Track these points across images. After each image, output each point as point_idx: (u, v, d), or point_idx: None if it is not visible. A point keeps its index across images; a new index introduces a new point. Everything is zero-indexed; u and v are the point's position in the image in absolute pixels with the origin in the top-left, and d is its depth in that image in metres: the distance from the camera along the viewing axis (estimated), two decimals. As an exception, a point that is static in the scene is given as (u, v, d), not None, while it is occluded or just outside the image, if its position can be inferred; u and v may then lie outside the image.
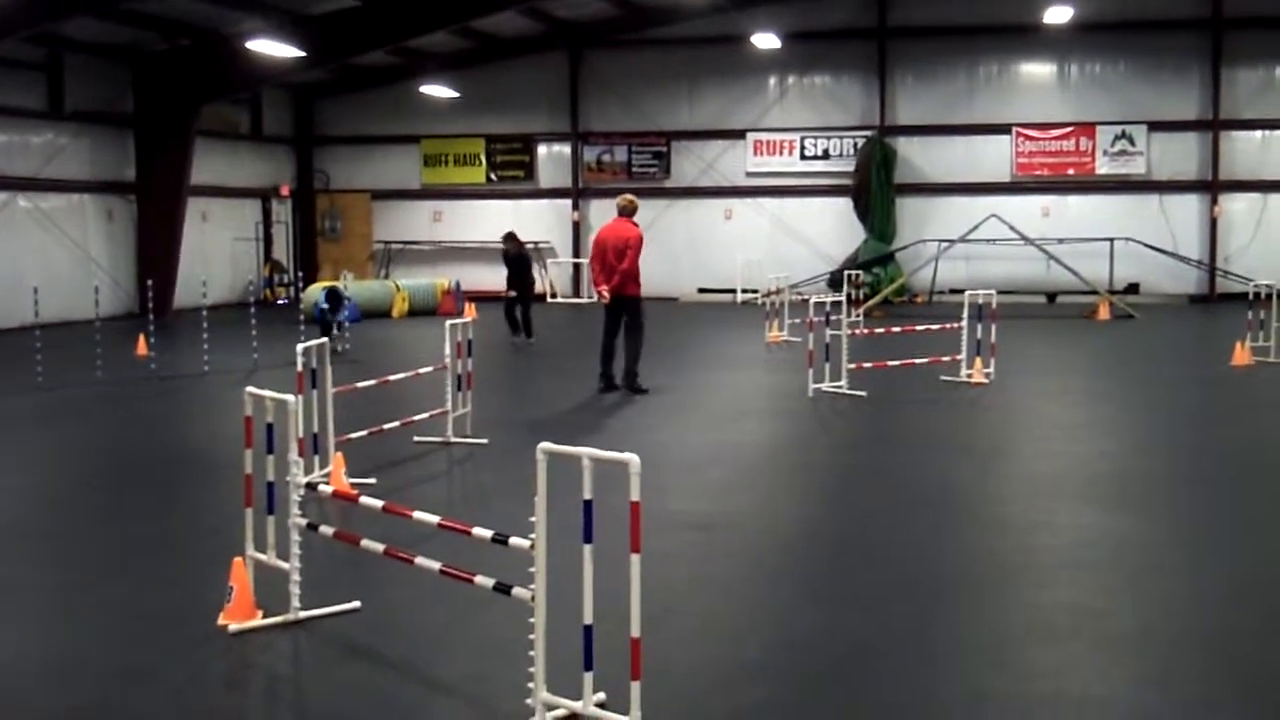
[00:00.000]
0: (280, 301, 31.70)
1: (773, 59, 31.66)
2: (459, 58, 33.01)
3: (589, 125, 34.09)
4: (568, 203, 34.50)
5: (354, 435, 11.02)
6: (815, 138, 32.50)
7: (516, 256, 22.45)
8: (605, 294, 15.31)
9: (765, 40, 30.14)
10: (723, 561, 8.30)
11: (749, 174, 33.02)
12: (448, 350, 12.14)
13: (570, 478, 5.38)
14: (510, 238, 22.81)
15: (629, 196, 15.68)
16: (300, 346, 9.81)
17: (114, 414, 15.15)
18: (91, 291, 19.59)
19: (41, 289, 18.79)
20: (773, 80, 32.83)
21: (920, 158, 31.68)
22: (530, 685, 5.49)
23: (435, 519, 6.14)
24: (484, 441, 12.13)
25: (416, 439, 12.12)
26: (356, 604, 7.03)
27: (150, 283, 20.30)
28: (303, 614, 6.80)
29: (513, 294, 22.05)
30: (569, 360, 20.83)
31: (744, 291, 31.23)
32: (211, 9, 25.56)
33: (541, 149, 34.72)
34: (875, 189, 30.66)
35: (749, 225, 32.74)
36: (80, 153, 27.78)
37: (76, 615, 7.25)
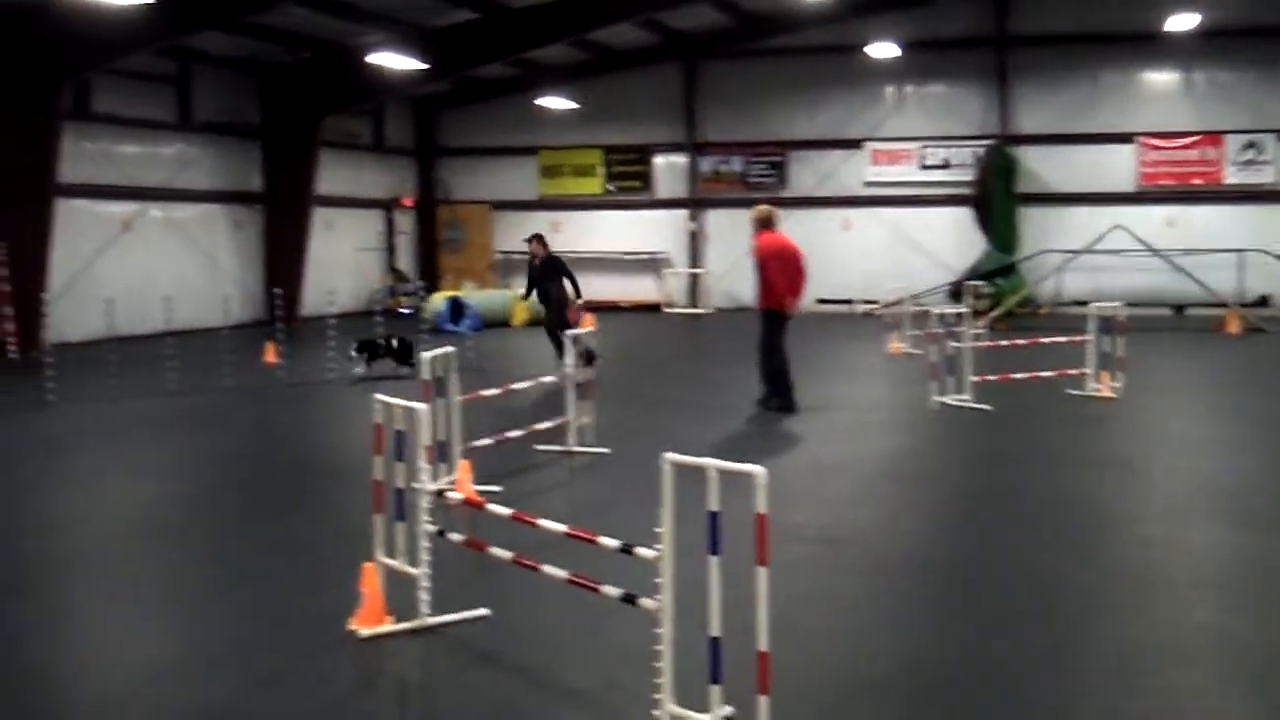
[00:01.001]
0: (403, 311, 32.15)
1: (890, 68, 31.39)
2: (577, 69, 33.27)
3: (705, 135, 34.12)
4: (684, 213, 34.54)
5: (479, 443, 11.14)
6: (934, 147, 32.17)
7: (541, 263, 19.80)
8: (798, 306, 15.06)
9: (883, 49, 29.91)
10: (845, 576, 8.24)
11: (867, 184, 32.77)
12: (569, 360, 12.23)
13: (694, 488, 5.37)
14: (536, 239, 20.28)
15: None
16: (427, 355, 9.94)
17: (244, 420, 15.49)
18: (220, 300, 20.09)
19: (173, 297, 19.30)
20: (890, 89, 32.57)
21: (1042, 167, 31.17)
22: (657, 696, 5.50)
23: (562, 528, 6.19)
24: (605, 451, 12.18)
25: (538, 447, 12.22)
26: (485, 611, 7.10)
27: (278, 291, 20.75)
28: (431, 620, 6.89)
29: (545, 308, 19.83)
30: (687, 371, 20.87)
31: (863, 302, 30.99)
32: (335, 22, 26.06)
33: (658, 159, 34.82)
34: (996, 199, 30.23)
35: (867, 236, 32.49)
36: (209, 163, 28.50)
37: (211, 616, 7.42)
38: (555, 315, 19.20)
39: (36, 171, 22.23)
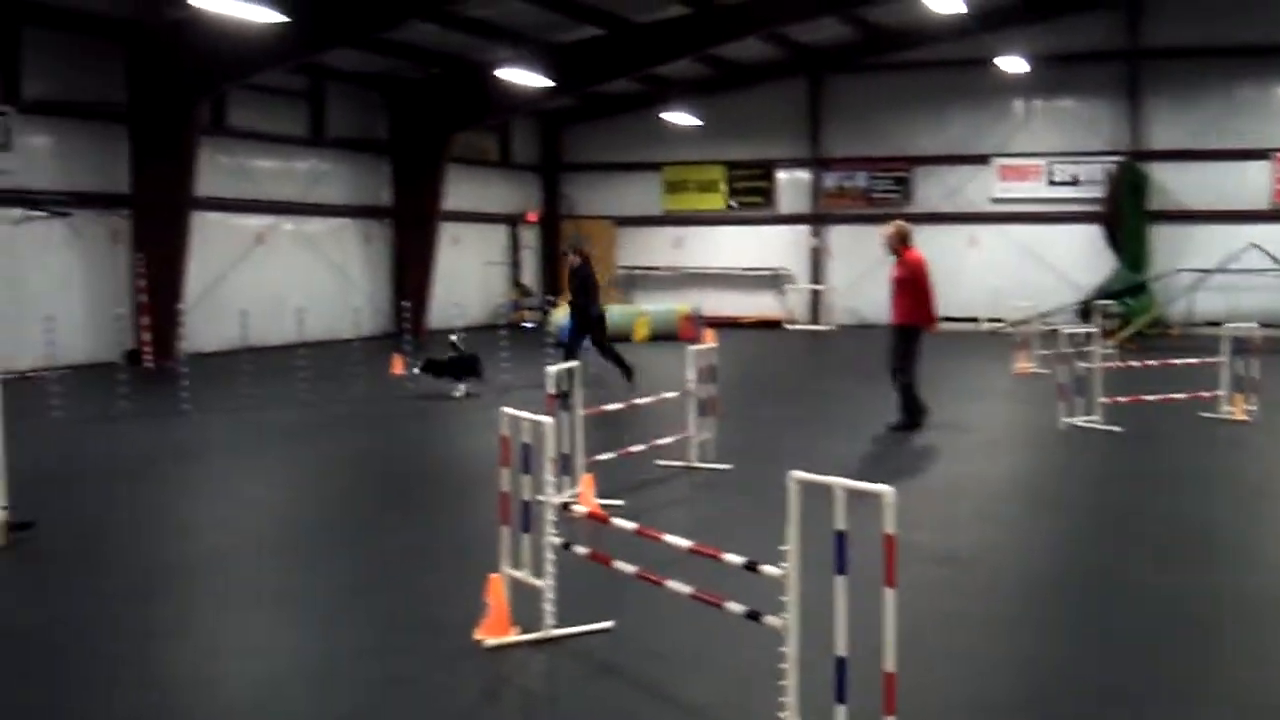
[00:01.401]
0: (527, 325, 32.48)
1: (1019, 82, 30.94)
2: (701, 85, 33.34)
3: (829, 151, 33.96)
4: (806, 229, 34.41)
5: (602, 457, 11.21)
6: (1063, 163, 31.62)
7: (576, 271, 19.16)
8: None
9: (1012, 63, 29.51)
10: (970, 597, 8.14)
11: (994, 200, 32.33)
12: (690, 375, 12.25)
13: (817, 506, 5.36)
14: (572, 250, 19.79)
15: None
16: (551, 369, 10.04)
17: (373, 430, 15.77)
18: (350, 312, 20.50)
19: (304, 309, 19.72)
20: (1019, 104, 32.12)
21: (1175, 183, 30.45)
22: (781, 715, 5.49)
23: (687, 543, 6.21)
24: (727, 467, 12.18)
25: (659, 462, 12.26)
26: (608, 624, 7.15)
27: (406, 304, 21.11)
28: (556, 631, 6.95)
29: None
30: (809, 387, 20.79)
31: (990, 320, 30.56)
32: (464, 38, 26.46)
33: (781, 175, 34.73)
34: (1127, 216, 29.62)
35: (994, 252, 32.02)
36: (340, 178, 29.10)
37: (341, 624, 7.57)
38: (593, 330, 18.87)
39: (175, 185, 22.89)
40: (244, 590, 8.50)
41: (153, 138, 22.74)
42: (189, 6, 18.93)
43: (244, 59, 22.11)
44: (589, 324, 18.79)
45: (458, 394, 17.87)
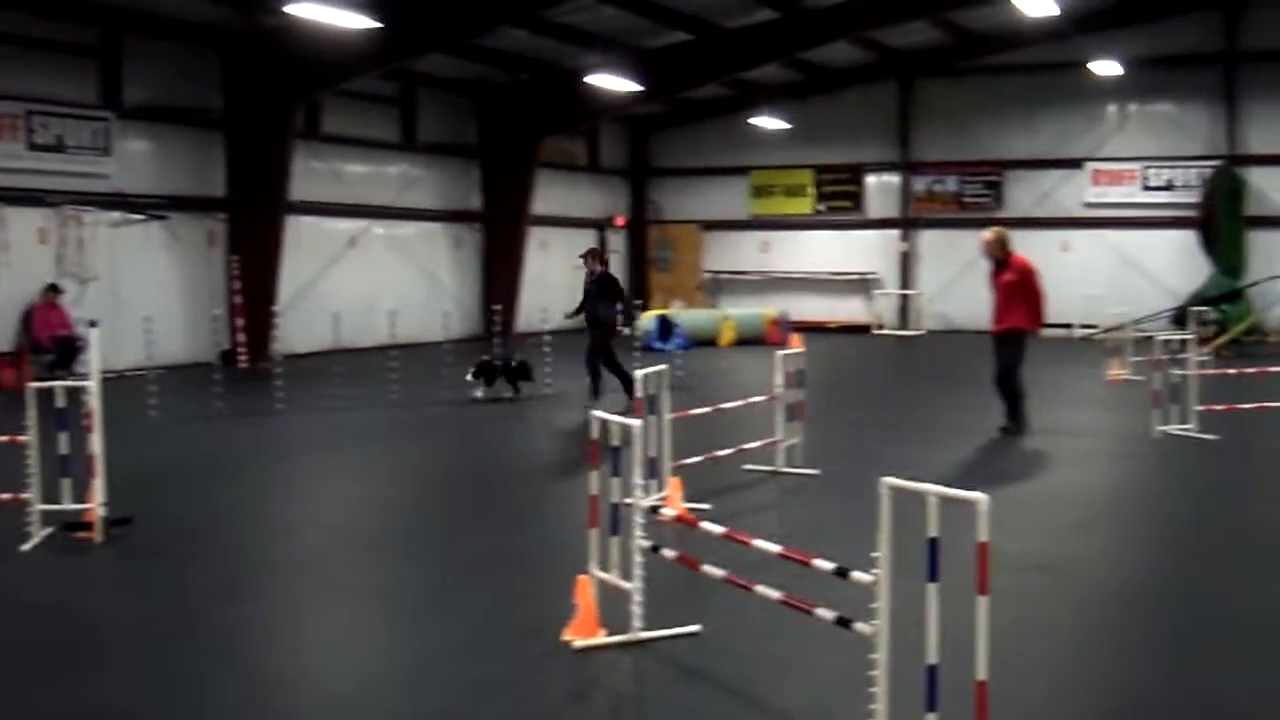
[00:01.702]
0: (612, 328, 32.54)
1: (1113, 86, 30.49)
2: (789, 89, 33.25)
3: (919, 155, 33.71)
4: (895, 233, 34.17)
5: (689, 460, 11.22)
6: (1158, 167, 31.12)
7: (595, 280, 17.85)
8: None
9: (1106, 67, 29.07)
10: (1062, 607, 8.04)
11: (1087, 205, 31.89)
12: (778, 380, 12.22)
13: (906, 512, 5.32)
14: (590, 254, 18.56)
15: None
16: (640, 373, 10.07)
17: (462, 431, 15.92)
18: (440, 315, 20.70)
19: (395, 311, 19.97)
20: (1112, 108, 31.65)
21: (1273, 188, 29.82)
22: (871, 721, 5.46)
23: (776, 548, 6.20)
24: (815, 473, 12.13)
25: (746, 467, 12.24)
26: (696, 627, 7.15)
27: (496, 307, 21.28)
28: (643, 634, 6.96)
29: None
30: (898, 393, 20.64)
31: (1083, 327, 30.11)
32: (554, 44, 26.62)
33: (870, 179, 34.52)
34: (1223, 221, 29.05)
35: (1087, 258, 31.54)
36: (431, 183, 29.41)
37: (431, 622, 7.65)
38: (598, 340, 17.59)
39: (270, 190, 23.29)
40: (336, 587, 8.63)
41: (248, 143, 23.16)
42: (284, 14, 19.25)
43: (337, 65, 22.45)
44: (607, 335, 17.57)
45: (508, 395, 18.09)
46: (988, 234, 14.97)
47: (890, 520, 5.33)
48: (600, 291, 17.52)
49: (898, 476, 5.37)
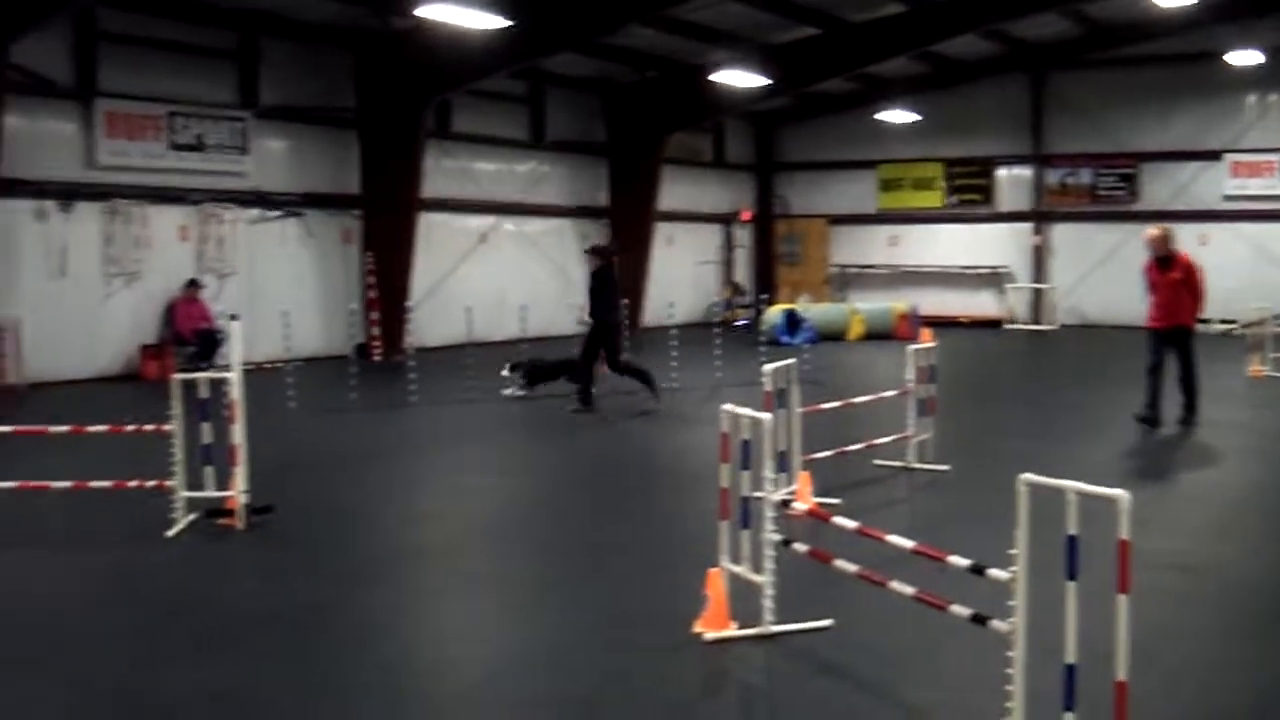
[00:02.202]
0: (740, 323, 32.54)
1: (1252, 75, 29.57)
2: (918, 82, 32.84)
3: (1051, 147, 33.07)
4: (1028, 226, 33.58)
5: (819, 455, 11.17)
6: (1301, 158, 30.19)
7: (592, 275, 16.94)
8: None
9: (1244, 56, 28.23)
10: (1204, 608, 7.85)
11: (1226, 197, 30.99)
12: (909, 374, 12.11)
13: (1041, 509, 5.24)
14: (592, 250, 17.63)
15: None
16: (769, 367, 10.04)
17: (589, 424, 16.02)
18: (569, 309, 20.89)
19: (526, 306, 20.20)
20: (1252, 98, 30.73)
21: None
22: None
23: (909, 543, 6.15)
24: (946, 468, 12.00)
25: (876, 462, 12.15)
26: (828, 621, 7.13)
27: (624, 301, 21.37)
28: (775, 628, 6.96)
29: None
30: (1031, 389, 20.32)
31: (1222, 322, 29.29)
32: (680, 41, 26.64)
33: (1001, 172, 33.96)
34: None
35: (1226, 251, 30.56)
36: (558, 179, 29.65)
37: (562, 611, 7.73)
38: (593, 341, 16.62)
39: (403, 187, 23.69)
40: (467, 576, 8.77)
41: (381, 142, 23.60)
42: (416, 16, 19.56)
43: (468, 65, 22.74)
44: (605, 336, 16.62)
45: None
46: (1154, 230, 15.06)
47: (1027, 517, 5.26)
48: (598, 288, 16.52)
49: (1032, 472, 5.30)
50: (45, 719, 6.04)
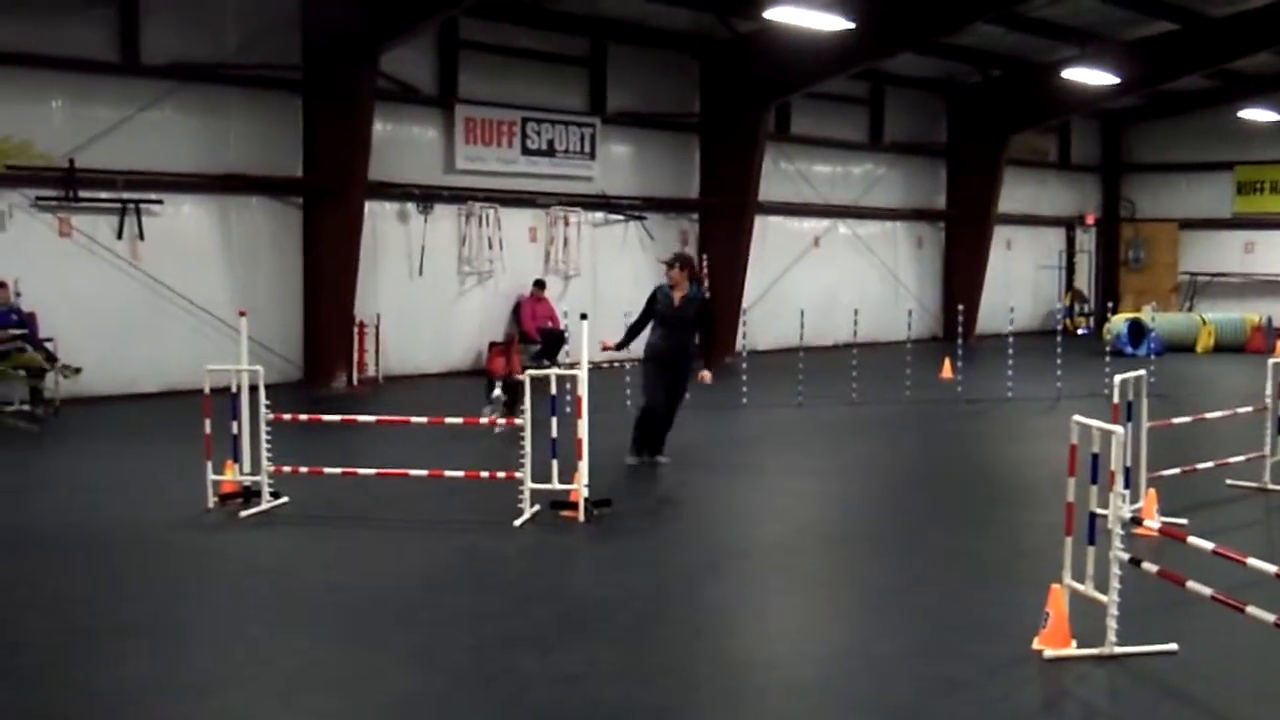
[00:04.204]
0: (1081, 332, 31.47)
1: None
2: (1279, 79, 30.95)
3: None
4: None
5: (1166, 472, 10.74)
6: None
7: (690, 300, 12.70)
8: None
9: None
10: None
11: None
12: (1269, 390, 11.49)
13: None
14: (681, 261, 12.90)
15: None
16: (1118, 378, 9.74)
17: (921, 431, 15.89)
18: (899, 314, 20.72)
19: (857, 309, 20.17)
20: None
21: None
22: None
23: (1273, 568, 5.88)
24: (1306, 492, 11.34)
25: (1229, 482, 11.58)
26: (1172, 646, 6.88)
27: (960, 307, 21.11)
28: (1117, 649, 6.77)
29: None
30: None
31: None
32: (1027, 39, 25.97)
33: (1380, 174, 31.65)
34: None
35: None
36: (895, 182, 29.40)
37: (891, 618, 7.73)
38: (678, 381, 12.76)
39: (741, 190, 24.02)
40: (800, 576, 8.88)
41: (722, 145, 24.05)
42: (760, 19, 19.80)
43: (810, 67, 22.89)
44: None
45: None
46: None
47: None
48: (697, 314, 12.64)
49: None
50: (387, 694, 6.39)
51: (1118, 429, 6.90)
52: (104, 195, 17.24)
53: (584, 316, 10.90)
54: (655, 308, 12.63)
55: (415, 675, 6.64)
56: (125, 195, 17.37)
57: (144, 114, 17.46)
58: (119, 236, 17.39)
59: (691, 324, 12.59)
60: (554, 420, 10.41)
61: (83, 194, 16.98)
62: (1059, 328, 21.61)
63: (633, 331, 12.88)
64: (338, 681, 6.57)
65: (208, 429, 10.33)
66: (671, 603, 8.06)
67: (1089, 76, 25.60)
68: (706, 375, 12.76)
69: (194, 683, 6.51)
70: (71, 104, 17.02)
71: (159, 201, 17.73)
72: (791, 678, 6.79)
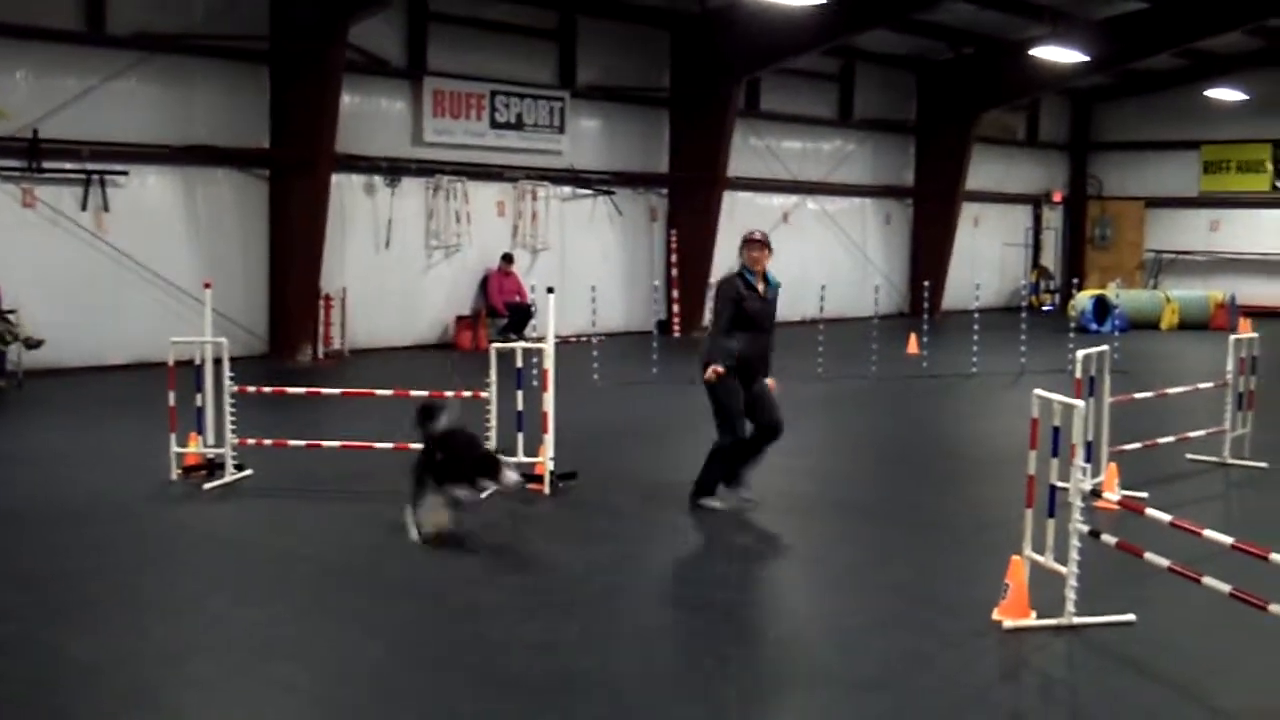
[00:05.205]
0: (1046, 309, 31.66)
1: None
2: (1250, 58, 31.03)
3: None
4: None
5: (1127, 447, 10.85)
6: None
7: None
8: None
9: None
10: None
11: None
12: (1229, 366, 11.61)
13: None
14: (754, 242, 10.12)
15: None
16: (1080, 353, 9.82)
17: (887, 407, 15.98)
18: (867, 290, 20.79)
19: (825, 286, 20.22)
20: None
21: None
22: (1324, 727, 5.20)
23: (1228, 539, 5.96)
24: (1264, 465, 11.46)
25: (1189, 457, 11.71)
26: (1130, 616, 6.97)
27: (926, 284, 21.19)
28: (1076, 619, 6.85)
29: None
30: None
31: None
32: (1000, 17, 25.95)
33: (1339, 154, 31.89)
34: None
35: None
36: (864, 159, 29.42)
37: (857, 593, 7.80)
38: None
39: (710, 166, 24.01)
40: (768, 549, 8.93)
41: (691, 121, 24.02)
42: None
43: (781, 43, 22.87)
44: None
45: None
46: None
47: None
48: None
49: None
50: (352, 663, 6.44)
51: (1079, 403, 6.97)
52: (68, 166, 17.09)
53: (551, 290, 10.90)
54: (744, 306, 9.73)
55: (380, 645, 6.66)
56: (90, 166, 17.23)
57: (109, 84, 17.32)
58: (83, 208, 17.27)
59: (774, 319, 10.08)
60: (519, 394, 10.42)
61: (47, 165, 16.83)
62: (1024, 304, 21.75)
63: (728, 345, 9.80)
64: (303, 651, 6.59)
65: (172, 401, 10.29)
66: (638, 574, 8.11)
67: (1059, 55, 25.63)
68: (774, 383, 10.20)
69: (161, 653, 6.53)
70: (36, 74, 16.85)
71: (124, 173, 17.60)
72: (759, 650, 6.85)
